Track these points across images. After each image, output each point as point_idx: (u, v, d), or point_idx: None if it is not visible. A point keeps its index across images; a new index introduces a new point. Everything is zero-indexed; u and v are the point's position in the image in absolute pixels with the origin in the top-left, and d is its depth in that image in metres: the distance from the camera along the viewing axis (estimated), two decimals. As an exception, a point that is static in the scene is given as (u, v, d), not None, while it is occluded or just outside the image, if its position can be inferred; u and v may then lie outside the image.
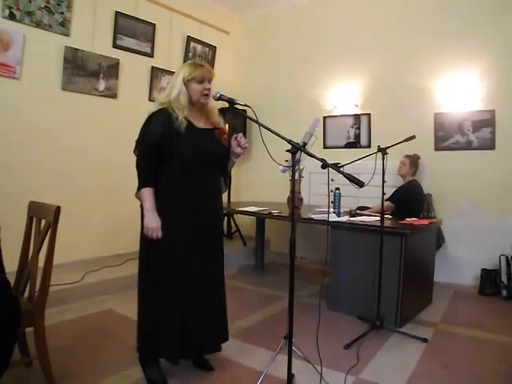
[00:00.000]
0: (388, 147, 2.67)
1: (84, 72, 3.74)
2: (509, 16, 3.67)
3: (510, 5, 3.66)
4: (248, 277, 4.11)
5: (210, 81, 1.98)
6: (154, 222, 1.85)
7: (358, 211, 3.45)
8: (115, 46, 4.02)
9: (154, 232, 1.85)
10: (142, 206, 1.95)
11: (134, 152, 1.95)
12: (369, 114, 4.54)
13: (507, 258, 3.54)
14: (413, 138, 2.78)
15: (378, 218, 2.79)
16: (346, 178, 1.70)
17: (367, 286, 2.86)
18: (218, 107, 2.13)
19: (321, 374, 1.95)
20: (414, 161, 3.70)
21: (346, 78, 4.68)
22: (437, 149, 4.09)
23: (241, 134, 2.02)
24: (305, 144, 2.31)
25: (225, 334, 2.12)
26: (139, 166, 1.91)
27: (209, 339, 2.03)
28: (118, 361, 2.17)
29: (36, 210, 1.94)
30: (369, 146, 4.49)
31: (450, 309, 3.24)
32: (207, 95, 1.95)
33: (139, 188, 1.90)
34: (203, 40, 4.96)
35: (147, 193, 1.87)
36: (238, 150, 2.02)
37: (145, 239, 1.92)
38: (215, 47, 5.14)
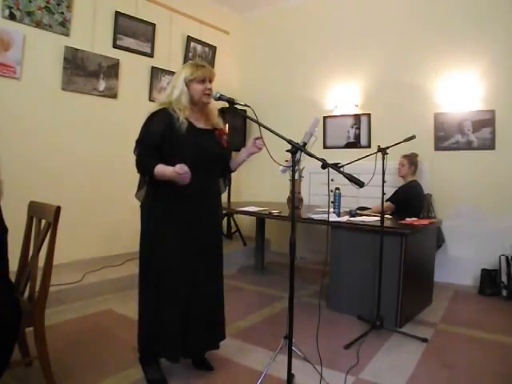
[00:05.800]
0: (388, 147, 2.67)
1: (84, 72, 3.74)
2: (510, 15, 3.67)
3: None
4: (248, 277, 4.11)
5: (211, 81, 1.98)
6: (176, 170, 1.74)
7: (358, 211, 3.45)
8: (115, 46, 4.02)
9: (185, 175, 1.75)
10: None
11: (134, 152, 1.93)
12: (369, 114, 4.54)
13: (507, 257, 3.54)
14: (413, 137, 2.79)
15: (378, 218, 2.78)
16: (346, 178, 1.70)
17: (367, 286, 2.86)
18: (217, 107, 2.13)
19: (321, 374, 1.95)
20: (412, 160, 3.68)
21: (345, 78, 4.68)
22: (437, 149, 4.09)
23: (261, 139, 2.02)
24: (305, 144, 2.31)
25: (222, 333, 2.13)
26: (139, 165, 1.90)
27: (208, 339, 2.03)
28: (118, 361, 2.17)
29: (36, 210, 1.94)
30: (369, 146, 4.49)
31: (449, 309, 3.24)
32: (209, 95, 1.95)
33: (139, 188, 1.90)
34: (203, 40, 4.96)
35: (158, 169, 1.80)
36: (253, 149, 2.03)
37: (145, 239, 1.93)
38: (215, 47, 5.14)
